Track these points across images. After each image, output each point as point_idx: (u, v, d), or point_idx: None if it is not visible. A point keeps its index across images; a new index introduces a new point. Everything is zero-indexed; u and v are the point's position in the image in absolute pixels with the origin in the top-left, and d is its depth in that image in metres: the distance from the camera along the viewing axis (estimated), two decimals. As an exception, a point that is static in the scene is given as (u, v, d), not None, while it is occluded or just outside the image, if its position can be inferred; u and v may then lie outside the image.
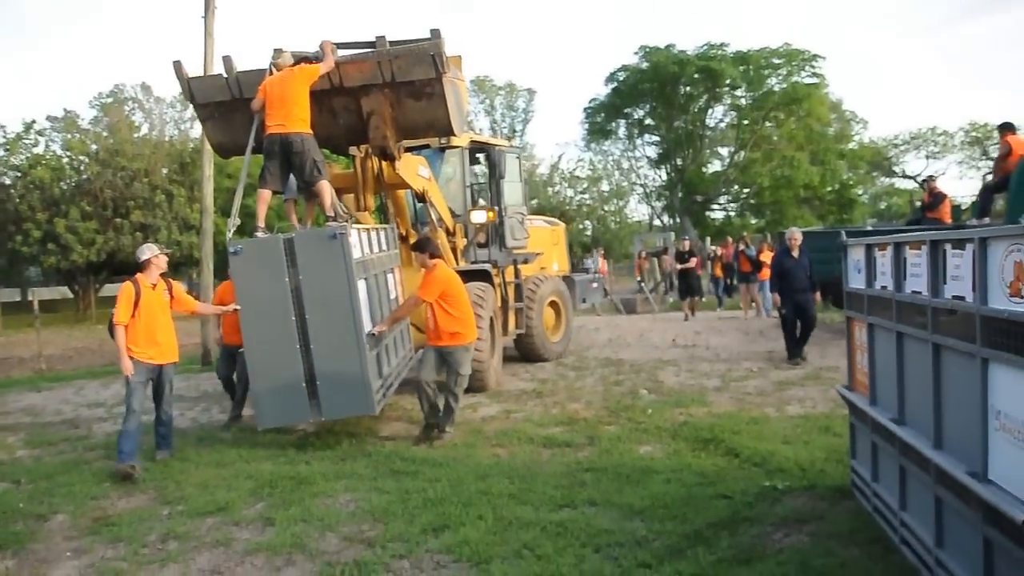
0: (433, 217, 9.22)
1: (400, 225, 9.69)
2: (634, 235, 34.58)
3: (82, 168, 25.02)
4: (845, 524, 4.45)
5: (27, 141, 24.83)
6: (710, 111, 33.41)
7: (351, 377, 6.36)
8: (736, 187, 34.27)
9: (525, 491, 5.32)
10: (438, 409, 7.07)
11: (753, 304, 17.13)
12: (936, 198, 12.47)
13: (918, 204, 15.87)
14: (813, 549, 4.12)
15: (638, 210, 49.91)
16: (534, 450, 6.58)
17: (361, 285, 6.59)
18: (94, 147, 25.46)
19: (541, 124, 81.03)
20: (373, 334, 6.69)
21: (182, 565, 4.43)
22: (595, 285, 15.84)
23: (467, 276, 8.49)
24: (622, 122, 35.51)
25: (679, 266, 18.09)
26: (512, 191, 11.19)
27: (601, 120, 35.62)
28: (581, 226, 42.65)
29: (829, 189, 31.74)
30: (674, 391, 8.90)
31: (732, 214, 34.72)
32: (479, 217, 10.10)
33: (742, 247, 18.30)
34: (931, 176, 13.90)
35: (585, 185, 46.31)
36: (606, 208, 49.39)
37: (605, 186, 47.27)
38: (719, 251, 21.65)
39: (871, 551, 4.06)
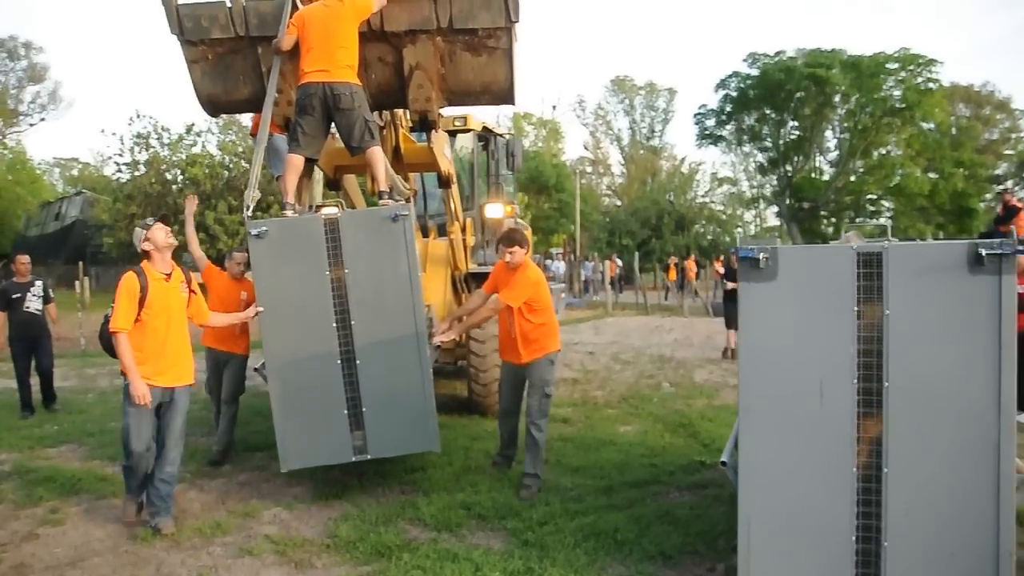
0: (451, 208, 7.79)
1: None
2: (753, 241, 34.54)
3: (231, 166, 28.17)
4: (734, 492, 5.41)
5: (187, 142, 28.30)
6: (820, 118, 32.85)
7: (410, 403, 4.99)
8: (847, 197, 33.51)
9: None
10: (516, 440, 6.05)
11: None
12: (1009, 211, 12.46)
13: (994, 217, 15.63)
14: (685, 504, 5.13)
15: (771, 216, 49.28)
16: (534, 423, 7.77)
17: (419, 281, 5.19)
18: (241, 148, 28.59)
19: (679, 125, 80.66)
20: (439, 345, 5.50)
21: (237, 466, 6.14)
22: (563, 296, 14.79)
23: (479, 281, 7.32)
24: (731, 127, 35.53)
25: (729, 285, 12.59)
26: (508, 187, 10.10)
27: (712, 126, 35.86)
28: (702, 229, 42.78)
29: (945, 199, 30.52)
30: (694, 386, 9.81)
31: (843, 222, 33.96)
32: (496, 212, 8.70)
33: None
34: (1005, 189, 13.89)
35: (707, 188, 46.47)
36: (738, 211, 49.22)
37: (745, 188, 47.14)
38: None
39: (733, 510, 5.01)
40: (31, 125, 42.58)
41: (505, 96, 6.00)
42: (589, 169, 54.23)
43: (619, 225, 41.78)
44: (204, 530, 4.77)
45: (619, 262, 31.04)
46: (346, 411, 4.98)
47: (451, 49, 5.76)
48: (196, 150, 28.41)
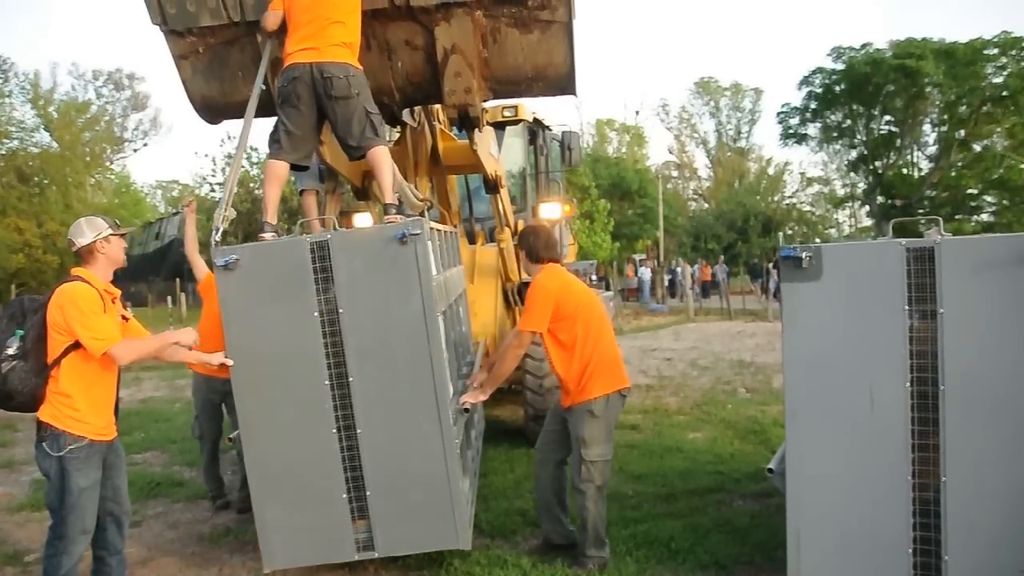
0: (500, 212, 6.76)
1: (447, 222, 6.78)
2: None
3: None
4: (799, 499, 5.21)
5: (270, 159, 29.40)
6: (913, 111, 31.21)
7: (429, 485, 3.85)
8: (943, 193, 31.74)
9: (561, 457, 6.53)
10: (564, 526, 4.55)
11: None
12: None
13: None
14: (747, 513, 4.98)
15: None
16: (601, 431, 7.70)
17: (440, 323, 4.03)
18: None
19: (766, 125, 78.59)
20: (467, 408, 4.24)
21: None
22: (611, 304, 14.16)
23: None
24: (817, 125, 34.25)
25: None
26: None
27: (796, 124, 34.72)
28: (791, 231, 41.53)
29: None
30: (771, 391, 9.50)
31: (940, 219, 32.04)
32: (552, 212, 7.62)
33: None
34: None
35: (795, 188, 44.99)
36: (829, 211, 47.61)
37: (838, 187, 45.58)
38: None
39: (797, 518, 4.84)
40: (135, 151, 44.82)
41: (564, 83, 4.71)
42: (675, 173, 53.45)
43: (704, 229, 40.96)
44: (266, 534, 4.92)
45: (716, 266, 30.32)
46: (345, 495, 3.84)
47: (494, 25, 4.55)
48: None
